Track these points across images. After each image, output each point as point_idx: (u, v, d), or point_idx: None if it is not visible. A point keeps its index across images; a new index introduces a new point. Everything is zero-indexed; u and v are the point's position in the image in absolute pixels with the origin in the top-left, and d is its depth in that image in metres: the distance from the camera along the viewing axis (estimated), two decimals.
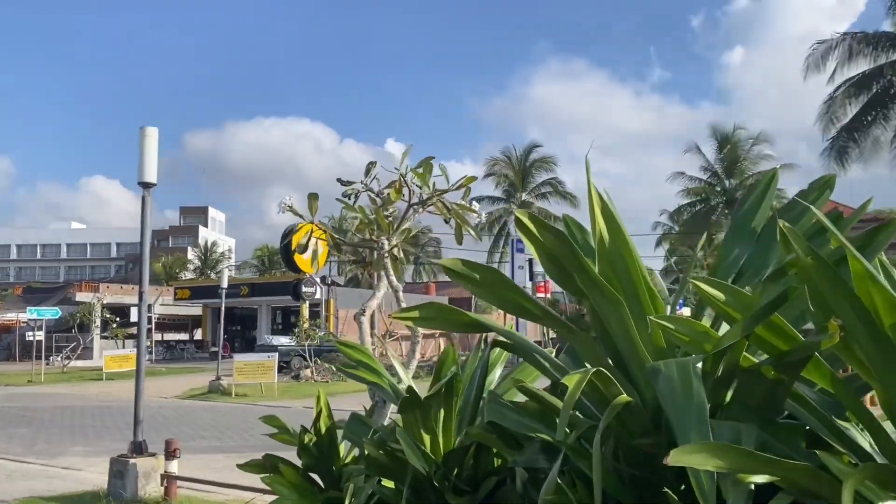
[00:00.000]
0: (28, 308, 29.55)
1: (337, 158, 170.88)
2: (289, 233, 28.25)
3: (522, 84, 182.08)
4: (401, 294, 5.01)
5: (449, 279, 2.38)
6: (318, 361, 26.38)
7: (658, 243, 69.37)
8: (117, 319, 33.80)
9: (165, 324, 45.83)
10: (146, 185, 7.53)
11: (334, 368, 26.89)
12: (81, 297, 43.95)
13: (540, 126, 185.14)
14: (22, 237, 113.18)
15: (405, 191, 5.06)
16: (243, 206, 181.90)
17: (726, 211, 45.41)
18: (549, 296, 34.07)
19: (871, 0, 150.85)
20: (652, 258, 63.51)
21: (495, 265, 58.26)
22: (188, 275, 69.57)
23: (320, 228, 5.08)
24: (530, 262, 31.97)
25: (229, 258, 71.07)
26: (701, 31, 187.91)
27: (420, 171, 4.88)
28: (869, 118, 28.85)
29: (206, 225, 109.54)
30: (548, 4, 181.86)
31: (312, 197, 4.98)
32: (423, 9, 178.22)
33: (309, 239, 5.17)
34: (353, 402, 18.74)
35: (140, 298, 7.43)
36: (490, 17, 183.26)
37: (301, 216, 5.11)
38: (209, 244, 73.25)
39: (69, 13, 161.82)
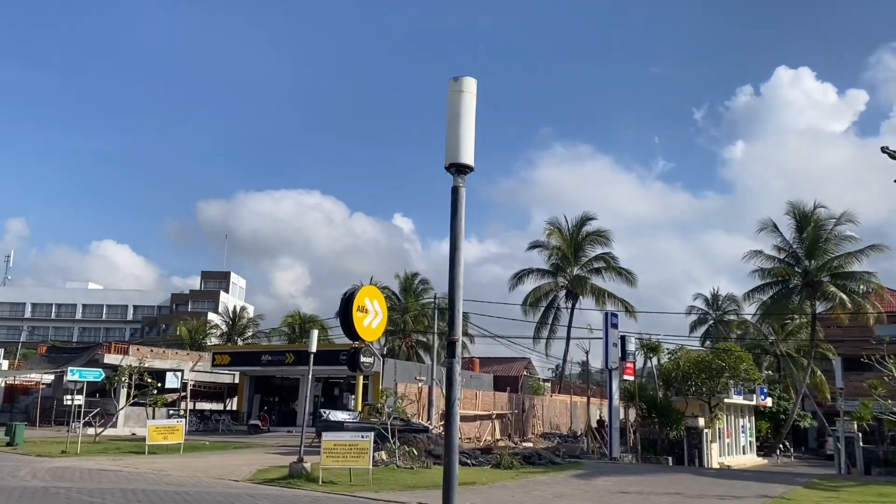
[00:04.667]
0: (69, 368, 26.47)
1: (347, 230, 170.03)
2: (350, 295, 25.32)
3: (528, 167, 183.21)
4: None
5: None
6: (398, 443, 22.99)
7: (693, 327, 66.48)
8: (158, 384, 30.54)
9: (199, 392, 42.38)
10: (461, 170, 4.68)
11: (415, 452, 23.49)
12: (110, 359, 40.75)
13: (545, 208, 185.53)
14: (37, 296, 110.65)
15: None
16: (251, 274, 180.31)
17: (805, 293, 42.32)
18: (633, 378, 30.74)
19: (871, 100, 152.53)
20: (687, 340, 60.13)
21: (543, 340, 54.79)
22: (214, 340, 66.26)
23: None
24: (623, 339, 28.83)
25: (258, 324, 67.88)
26: (703, 124, 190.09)
27: None
28: None
29: (227, 290, 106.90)
30: (552, 91, 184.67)
31: None
32: (430, 89, 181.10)
33: None
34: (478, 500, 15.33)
35: (450, 351, 4.47)
36: (496, 101, 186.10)
37: None
38: (237, 309, 70.18)
39: (81, 77, 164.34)
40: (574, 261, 53.52)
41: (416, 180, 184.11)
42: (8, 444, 27.21)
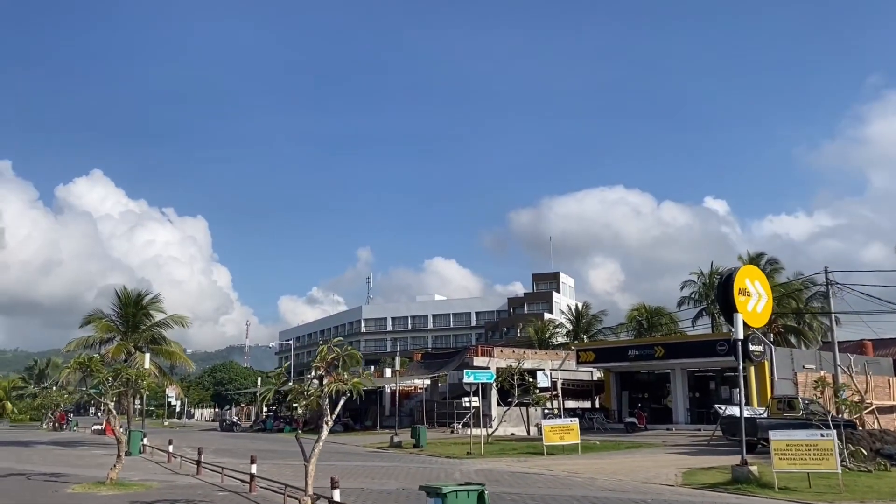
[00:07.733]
0: (465, 371, 27.29)
1: (656, 220, 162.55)
2: (728, 277, 21.85)
3: (856, 124, 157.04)
4: None
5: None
6: (844, 441, 19.24)
7: None
8: (539, 385, 30.34)
9: (566, 389, 42.05)
10: None
11: (863, 451, 19.60)
12: (478, 361, 42.22)
13: (884, 167, 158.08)
14: (395, 311, 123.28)
15: None
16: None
17: None
18: None
19: None
20: None
21: None
22: (559, 339, 66.54)
23: None
24: None
25: (601, 320, 66.69)
26: None
27: None
28: None
29: (558, 290, 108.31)
30: (875, 36, 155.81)
31: None
32: (734, 61, 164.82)
33: None
34: None
35: None
36: (812, 57, 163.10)
37: None
38: (579, 307, 69.84)
39: (395, 119, 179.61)
40: None
41: (725, 159, 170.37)
42: (415, 446, 28.88)
